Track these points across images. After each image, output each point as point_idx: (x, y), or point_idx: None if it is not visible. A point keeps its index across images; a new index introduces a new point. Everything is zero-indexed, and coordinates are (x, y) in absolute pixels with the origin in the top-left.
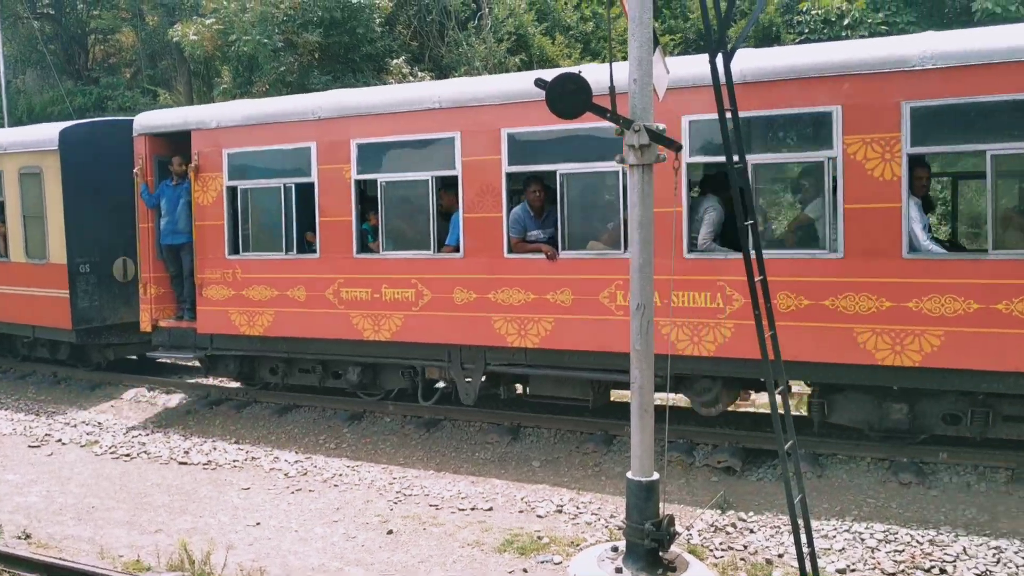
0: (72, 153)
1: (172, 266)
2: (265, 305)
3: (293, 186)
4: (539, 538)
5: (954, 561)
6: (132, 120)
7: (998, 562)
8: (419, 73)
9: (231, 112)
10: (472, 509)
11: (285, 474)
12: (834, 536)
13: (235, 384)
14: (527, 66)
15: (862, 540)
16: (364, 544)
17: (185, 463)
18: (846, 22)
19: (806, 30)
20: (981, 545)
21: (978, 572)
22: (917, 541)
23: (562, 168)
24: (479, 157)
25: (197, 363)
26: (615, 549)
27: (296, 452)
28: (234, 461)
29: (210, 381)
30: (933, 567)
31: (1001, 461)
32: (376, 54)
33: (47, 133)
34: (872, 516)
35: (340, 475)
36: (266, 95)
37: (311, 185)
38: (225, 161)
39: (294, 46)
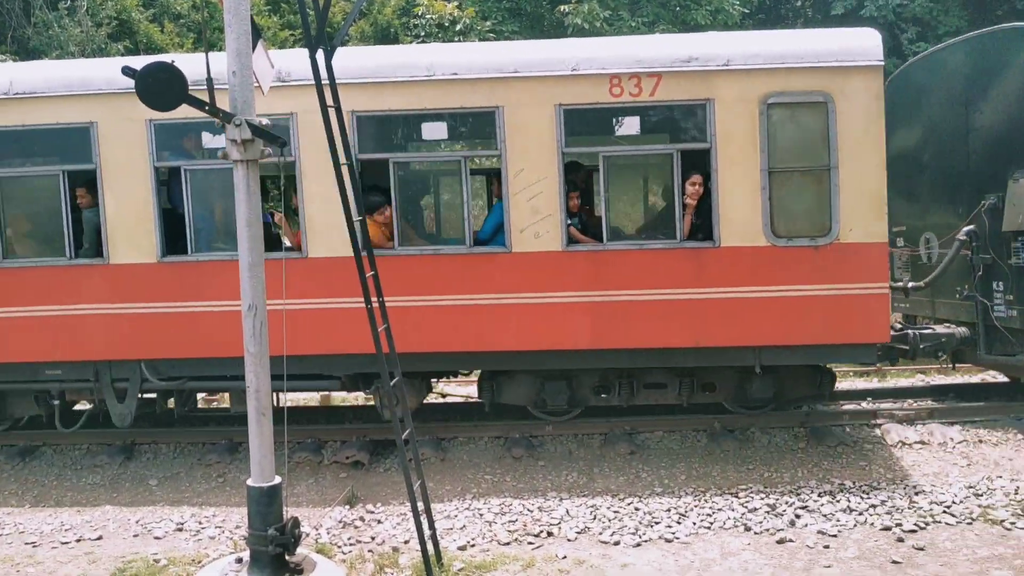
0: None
1: None
2: None
3: None
4: (156, 561)
5: (559, 523)
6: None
7: (595, 518)
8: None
9: None
10: (78, 541)
11: None
12: (456, 515)
13: None
14: (132, 53)
15: (481, 515)
16: None
17: None
18: (458, 27)
19: (422, 33)
20: (580, 505)
21: (579, 530)
22: (528, 509)
23: None
24: None
25: None
26: (239, 560)
27: None
28: None
29: None
30: (542, 531)
31: (596, 428)
32: None
33: (842, 42)
34: (489, 491)
35: None
36: None
37: None
38: None
39: None
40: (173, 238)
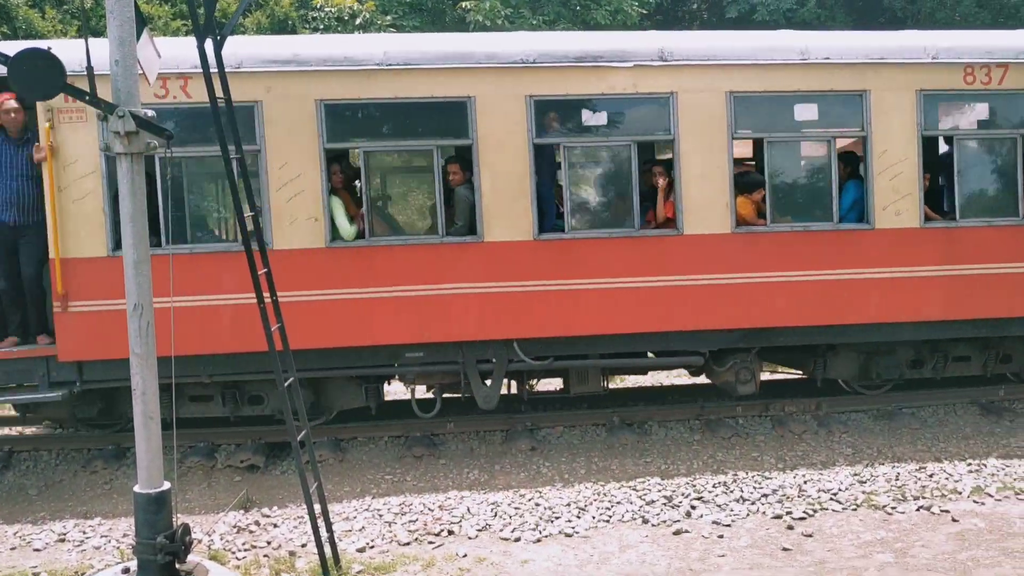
0: None
1: None
2: None
3: None
4: (36, 574)
5: (460, 521)
6: None
7: (495, 515)
8: None
9: None
10: None
11: None
12: (355, 517)
13: None
14: (11, 39)
15: (380, 516)
16: None
17: None
18: (358, 21)
19: (321, 26)
20: (481, 503)
21: (480, 527)
22: (429, 508)
23: None
24: None
25: None
26: (126, 571)
27: None
28: None
29: None
30: (443, 530)
31: (497, 425)
32: None
33: None
34: (389, 491)
35: None
36: None
37: None
38: None
39: None
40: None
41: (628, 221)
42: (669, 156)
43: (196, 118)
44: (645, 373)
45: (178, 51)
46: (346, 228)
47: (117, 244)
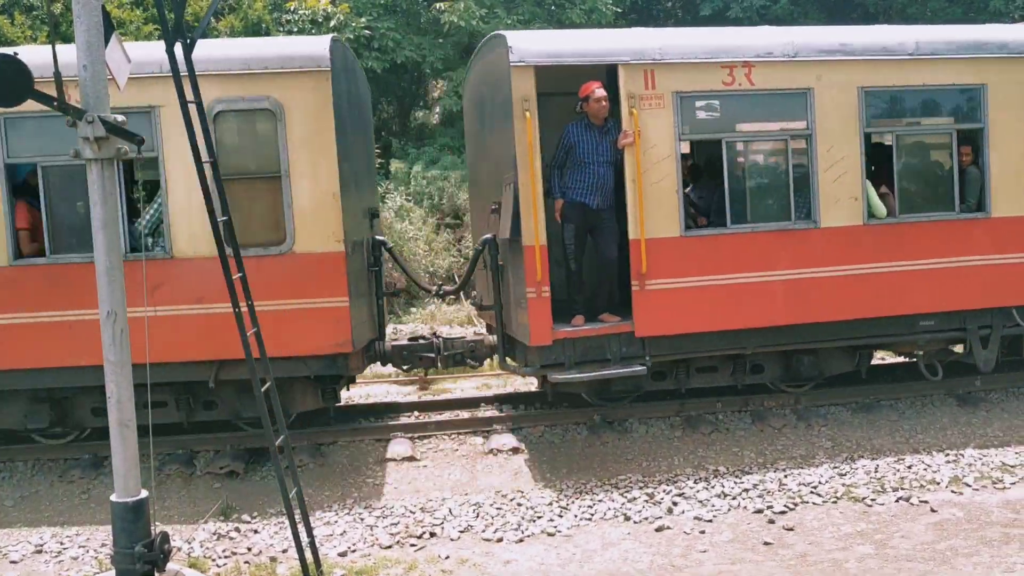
0: None
1: None
2: None
3: None
4: None
5: (442, 523)
6: None
7: (477, 516)
8: None
9: None
10: None
11: None
12: (336, 521)
13: None
14: None
15: (362, 520)
16: None
17: None
18: (332, 24)
19: (295, 29)
20: (463, 504)
21: (461, 529)
22: (410, 511)
23: None
24: None
25: None
26: None
27: None
28: None
29: None
30: (424, 532)
31: (478, 426)
32: None
33: None
34: (371, 495)
35: None
36: None
37: None
38: None
39: None
40: None
41: None
42: None
43: (758, 103)
44: None
45: (745, 40)
46: (879, 206)
47: (687, 225)
